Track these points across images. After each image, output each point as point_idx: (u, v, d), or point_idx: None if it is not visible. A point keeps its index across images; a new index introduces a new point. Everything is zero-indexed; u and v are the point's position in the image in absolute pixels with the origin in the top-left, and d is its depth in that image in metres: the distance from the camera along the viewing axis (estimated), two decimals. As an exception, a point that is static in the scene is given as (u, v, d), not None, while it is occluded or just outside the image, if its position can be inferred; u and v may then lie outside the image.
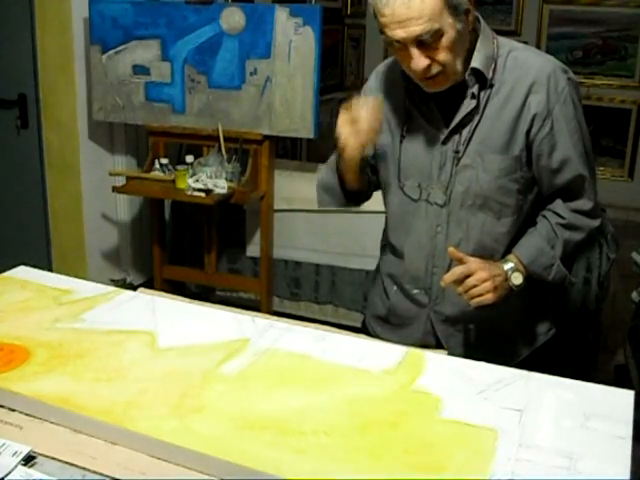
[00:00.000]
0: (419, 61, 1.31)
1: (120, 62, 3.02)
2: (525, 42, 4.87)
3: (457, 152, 1.44)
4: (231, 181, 2.84)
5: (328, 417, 1.03)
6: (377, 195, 2.19)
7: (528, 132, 1.42)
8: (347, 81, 5.48)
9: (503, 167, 1.43)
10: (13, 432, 1.03)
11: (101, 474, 0.94)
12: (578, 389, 1.11)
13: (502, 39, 1.46)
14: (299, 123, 2.88)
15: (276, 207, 3.17)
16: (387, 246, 1.66)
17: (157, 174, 3.01)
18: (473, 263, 1.40)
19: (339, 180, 1.55)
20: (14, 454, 0.96)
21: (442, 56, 1.32)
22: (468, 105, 1.41)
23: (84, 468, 0.95)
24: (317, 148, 4.63)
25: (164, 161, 3.02)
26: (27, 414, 1.07)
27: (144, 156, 3.25)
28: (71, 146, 3.23)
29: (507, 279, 1.43)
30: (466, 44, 1.37)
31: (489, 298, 1.39)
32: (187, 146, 3.19)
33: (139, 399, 1.07)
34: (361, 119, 1.37)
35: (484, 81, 1.40)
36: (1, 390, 1.09)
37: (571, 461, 0.94)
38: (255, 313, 1.43)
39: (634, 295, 2.65)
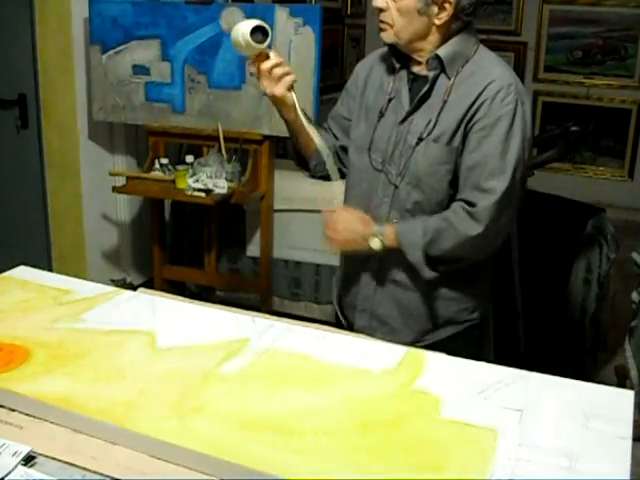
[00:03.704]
0: (378, 1, 1.53)
1: (120, 62, 3.02)
2: (525, 42, 4.91)
3: (409, 134, 1.57)
4: (231, 181, 2.84)
5: (328, 417, 1.03)
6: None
7: (467, 133, 1.51)
8: (347, 81, 5.47)
9: (440, 155, 1.53)
10: (13, 432, 1.03)
11: (101, 474, 0.94)
12: (578, 389, 1.11)
13: (486, 51, 1.57)
14: (299, 123, 2.88)
15: (276, 207, 3.16)
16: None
17: (157, 174, 3.01)
18: (344, 212, 1.62)
19: (291, 137, 1.81)
20: (14, 454, 0.96)
21: (394, 12, 1.51)
22: (420, 89, 1.56)
23: (84, 468, 0.95)
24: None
25: (164, 161, 3.01)
26: (27, 414, 1.07)
27: (144, 156, 3.25)
28: (71, 146, 3.22)
29: (367, 239, 1.55)
30: (427, 30, 1.51)
31: (332, 243, 1.60)
32: (187, 146, 3.18)
33: (139, 399, 1.07)
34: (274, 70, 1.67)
35: (444, 71, 1.53)
36: (1, 390, 1.09)
37: (571, 461, 0.94)
38: (255, 313, 1.43)
39: (634, 295, 2.64)
